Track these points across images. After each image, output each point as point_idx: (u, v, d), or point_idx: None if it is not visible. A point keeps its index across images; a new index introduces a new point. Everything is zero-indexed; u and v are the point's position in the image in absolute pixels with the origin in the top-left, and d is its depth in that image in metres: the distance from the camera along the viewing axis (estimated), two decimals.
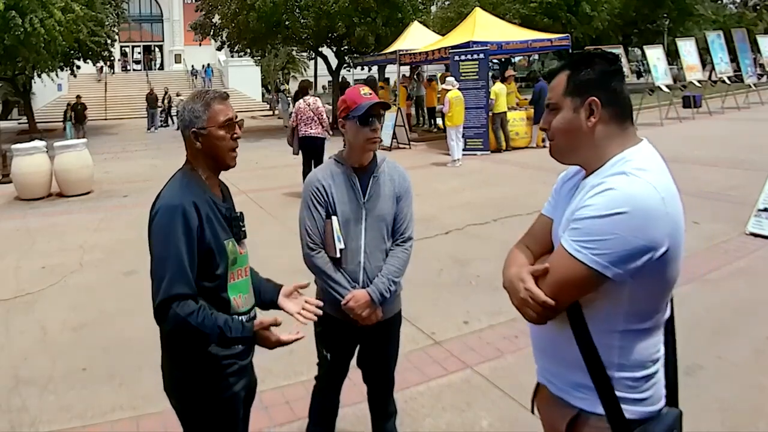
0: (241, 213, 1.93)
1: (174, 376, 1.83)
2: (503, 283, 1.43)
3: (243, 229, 1.89)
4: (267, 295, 1.99)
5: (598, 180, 1.30)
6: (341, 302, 2.20)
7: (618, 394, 1.32)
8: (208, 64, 34.62)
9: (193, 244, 1.67)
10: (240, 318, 1.78)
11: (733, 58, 20.13)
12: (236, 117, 1.81)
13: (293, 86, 26.83)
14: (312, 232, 2.24)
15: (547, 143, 1.47)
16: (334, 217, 2.22)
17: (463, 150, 11.44)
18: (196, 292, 1.67)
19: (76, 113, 21.00)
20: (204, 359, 1.76)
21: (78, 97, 21.72)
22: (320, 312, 1.92)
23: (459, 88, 11.37)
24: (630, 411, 1.32)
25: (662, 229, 1.22)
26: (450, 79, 11.77)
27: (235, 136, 1.79)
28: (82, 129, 20.67)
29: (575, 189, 1.42)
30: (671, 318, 1.42)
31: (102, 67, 33.98)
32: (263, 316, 1.82)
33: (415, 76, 18.91)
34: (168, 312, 1.62)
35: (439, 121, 17.39)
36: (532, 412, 1.60)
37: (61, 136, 18.26)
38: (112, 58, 34.04)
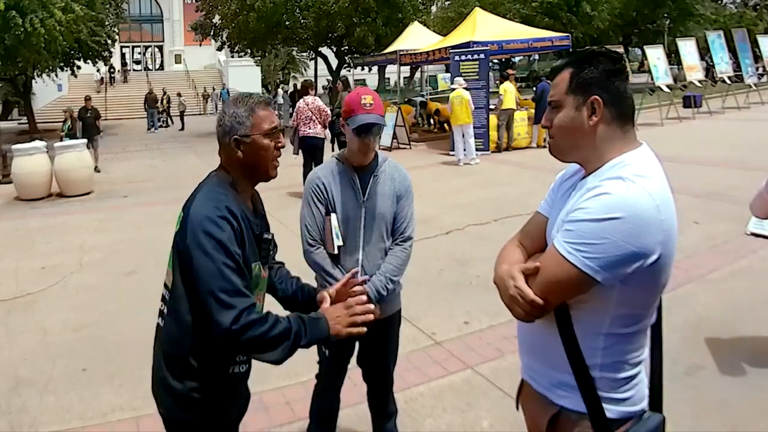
0: (272, 236, 1.77)
1: (168, 388, 1.66)
2: (494, 278, 1.43)
3: (271, 252, 1.74)
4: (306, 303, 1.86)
5: (596, 182, 1.30)
6: None
7: (600, 393, 1.33)
8: (223, 85, 33.26)
9: (237, 256, 1.54)
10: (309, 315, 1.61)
11: (734, 59, 20.11)
12: (280, 125, 1.70)
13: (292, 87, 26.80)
14: (311, 229, 2.27)
15: (548, 141, 1.47)
16: (333, 215, 2.25)
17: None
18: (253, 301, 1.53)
19: (85, 123, 13.19)
20: (205, 382, 1.64)
21: (87, 99, 14.00)
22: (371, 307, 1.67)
23: (466, 88, 11.35)
24: (611, 410, 1.33)
25: (655, 237, 1.22)
26: (458, 78, 11.73)
27: (279, 145, 1.65)
28: (94, 147, 12.81)
29: (572, 189, 1.42)
30: (659, 324, 1.42)
31: (102, 78, 33.29)
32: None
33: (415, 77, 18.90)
34: (237, 331, 1.47)
35: None
36: (517, 408, 1.61)
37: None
38: (113, 69, 33.73)
